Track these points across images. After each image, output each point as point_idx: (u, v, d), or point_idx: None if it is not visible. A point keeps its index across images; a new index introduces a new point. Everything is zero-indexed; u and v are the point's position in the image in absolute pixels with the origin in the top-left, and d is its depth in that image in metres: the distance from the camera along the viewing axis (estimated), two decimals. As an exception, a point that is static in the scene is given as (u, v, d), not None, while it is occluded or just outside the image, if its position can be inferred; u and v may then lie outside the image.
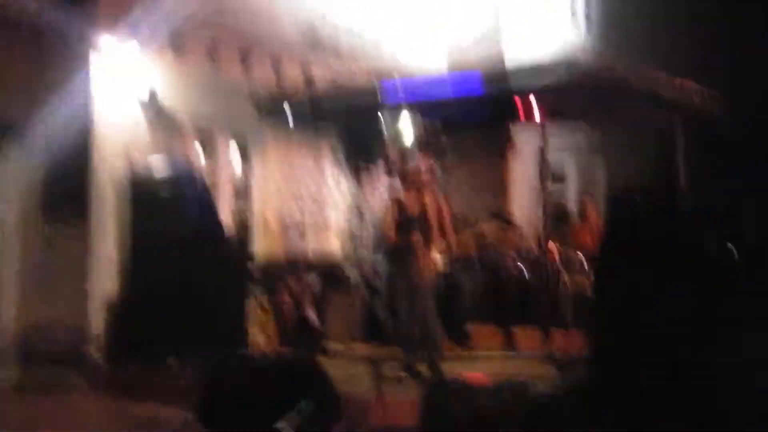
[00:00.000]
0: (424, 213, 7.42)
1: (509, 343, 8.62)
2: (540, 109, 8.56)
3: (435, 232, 7.49)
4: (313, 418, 5.95)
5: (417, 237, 7.30)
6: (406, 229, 7.37)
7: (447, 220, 7.62)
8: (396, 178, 8.59)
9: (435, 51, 11.80)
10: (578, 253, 9.48)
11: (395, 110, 9.08)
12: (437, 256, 7.54)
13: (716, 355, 1.63)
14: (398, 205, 7.55)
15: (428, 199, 7.46)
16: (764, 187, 12.42)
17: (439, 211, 7.56)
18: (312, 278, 8.49)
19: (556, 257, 9.06)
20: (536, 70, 8.38)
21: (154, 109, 8.63)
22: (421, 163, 7.68)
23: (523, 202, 10.84)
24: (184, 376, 7.29)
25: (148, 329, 7.54)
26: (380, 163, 10.51)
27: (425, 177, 7.55)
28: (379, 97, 8.92)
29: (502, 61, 9.18)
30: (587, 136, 12.40)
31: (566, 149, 12.14)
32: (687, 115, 10.64)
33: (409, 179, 7.55)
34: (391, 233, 7.57)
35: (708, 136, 11.49)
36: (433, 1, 12.07)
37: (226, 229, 8.66)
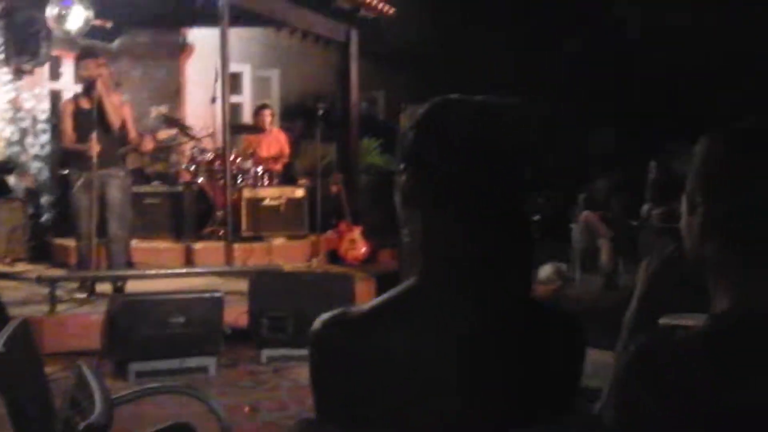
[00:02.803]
0: (103, 115, 7.11)
1: (191, 259, 8.68)
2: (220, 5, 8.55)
3: (116, 137, 7.24)
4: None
5: (97, 142, 6.99)
6: (85, 132, 7.03)
7: (129, 124, 7.39)
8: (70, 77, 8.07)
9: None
10: (254, 163, 9.72)
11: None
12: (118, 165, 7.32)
13: None
14: (75, 105, 7.16)
15: (107, 101, 7.15)
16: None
17: (121, 114, 7.30)
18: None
19: (235, 168, 9.20)
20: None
21: None
22: (95, 62, 7.26)
23: (199, 110, 10.76)
24: None
25: None
26: (43, 59, 9.82)
27: (101, 77, 7.18)
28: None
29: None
30: (263, 44, 12.59)
31: (242, 57, 12.23)
32: (361, 26, 11.25)
33: (84, 78, 7.17)
34: (70, 137, 7.18)
35: (379, 48, 12.25)
36: None
37: None
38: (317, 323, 1.47)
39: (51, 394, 3.14)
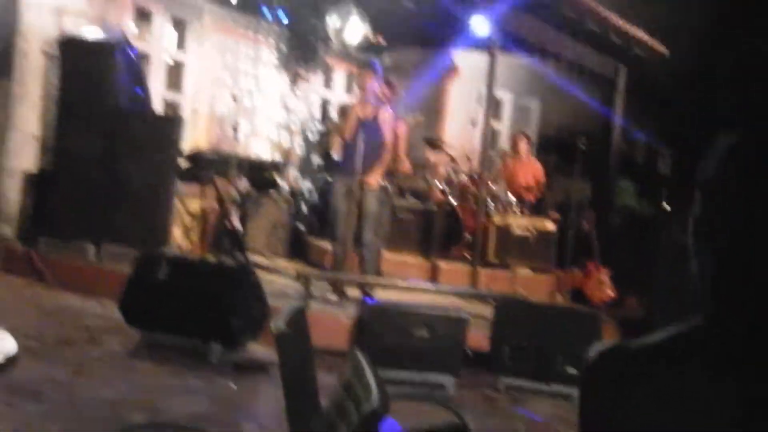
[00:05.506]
0: (375, 127, 7.45)
1: (435, 276, 8.88)
2: (491, 32, 8.71)
3: (387, 153, 7.56)
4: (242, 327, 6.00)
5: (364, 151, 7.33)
6: (356, 138, 7.37)
7: (401, 143, 7.71)
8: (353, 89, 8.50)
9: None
10: (508, 191, 9.82)
11: (343, 10, 9.02)
12: (382, 178, 7.62)
13: None
14: (357, 111, 7.53)
15: (382, 115, 7.51)
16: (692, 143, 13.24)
17: (394, 129, 7.62)
18: (241, 182, 8.48)
19: (488, 193, 9.33)
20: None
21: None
22: (375, 75, 7.65)
23: (457, 130, 11.03)
24: (102, 266, 7.28)
25: (67, 210, 7.43)
26: (319, 67, 10.48)
27: (383, 92, 7.56)
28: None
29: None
30: (527, 73, 12.67)
31: (505, 84, 12.39)
32: (630, 62, 11.08)
33: (362, 88, 7.55)
34: (346, 137, 7.52)
35: (646, 87, 11.98)
36: None
37: (156, 114, 8.50)
38: (594, 352, 1.41)
39: (317, 379, 3.35)
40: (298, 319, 3.41)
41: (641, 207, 11.79)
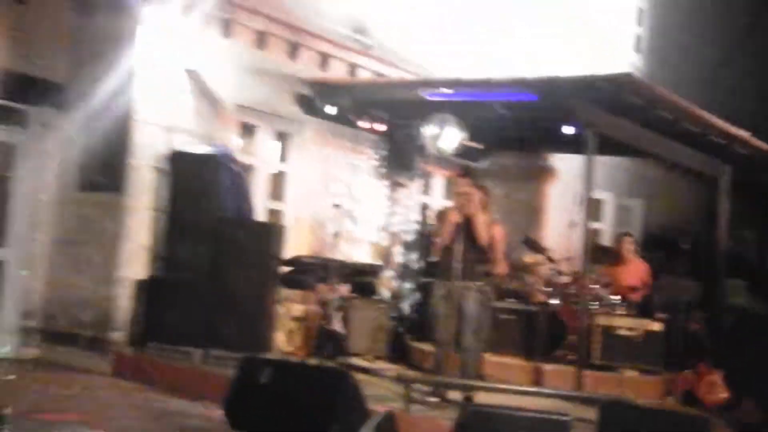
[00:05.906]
0: (471, 231, 7.54)
1: (538, 379, 8.74)
2: (587, 133, 8.75)
3: (483, 256, 7.61)
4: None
5: (463, 255, 7.41)
6: (451, 248, 7.47)
7: (498, 245, 7.75)
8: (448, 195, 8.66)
9: (483, 61, 11.99)
10: (612, 291, 9.67)
11: (439, 118, 9.26)
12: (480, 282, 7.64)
13: None
14: (454, 216, 7.67)
15: (477, 219, 7.59)
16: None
17: (491, 233, 7.68)
18: (342, 286, 8.65)
19: (591, 294, 9.21)
20: (591, 87, 8.50)
21: (198, 88, 8.84)
22: (470, 181, 7.80)
23: (557, 232, 10.99)
24: (207, 370, 7.48)
25: (175, 316, 7.73)
26: (418, 174, 10.69)
27: (479, 197, 7.67)
28: (423, 100, 9.11)
29: (556, 77, 9.26)
30: (627, 173, 12.64)
31: (604, 185, 12.36)
32: (733, 163, 10.91)
33: (458, 194, 7.70)
34: (444, 242, 7.65)
35: (752, 184, 11.77)
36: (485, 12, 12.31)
37: (259, 223, 8.83)
38: None
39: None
40: (388, 426, 3.41)
41: (753, 305, 11.41)
